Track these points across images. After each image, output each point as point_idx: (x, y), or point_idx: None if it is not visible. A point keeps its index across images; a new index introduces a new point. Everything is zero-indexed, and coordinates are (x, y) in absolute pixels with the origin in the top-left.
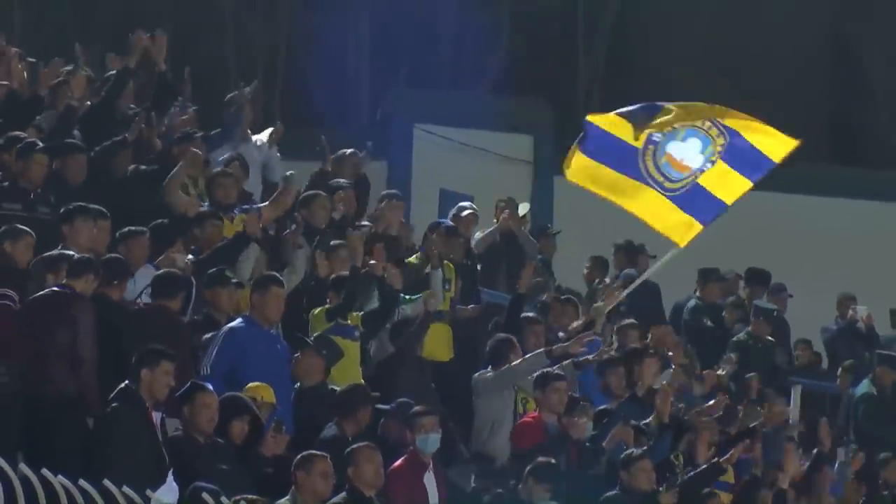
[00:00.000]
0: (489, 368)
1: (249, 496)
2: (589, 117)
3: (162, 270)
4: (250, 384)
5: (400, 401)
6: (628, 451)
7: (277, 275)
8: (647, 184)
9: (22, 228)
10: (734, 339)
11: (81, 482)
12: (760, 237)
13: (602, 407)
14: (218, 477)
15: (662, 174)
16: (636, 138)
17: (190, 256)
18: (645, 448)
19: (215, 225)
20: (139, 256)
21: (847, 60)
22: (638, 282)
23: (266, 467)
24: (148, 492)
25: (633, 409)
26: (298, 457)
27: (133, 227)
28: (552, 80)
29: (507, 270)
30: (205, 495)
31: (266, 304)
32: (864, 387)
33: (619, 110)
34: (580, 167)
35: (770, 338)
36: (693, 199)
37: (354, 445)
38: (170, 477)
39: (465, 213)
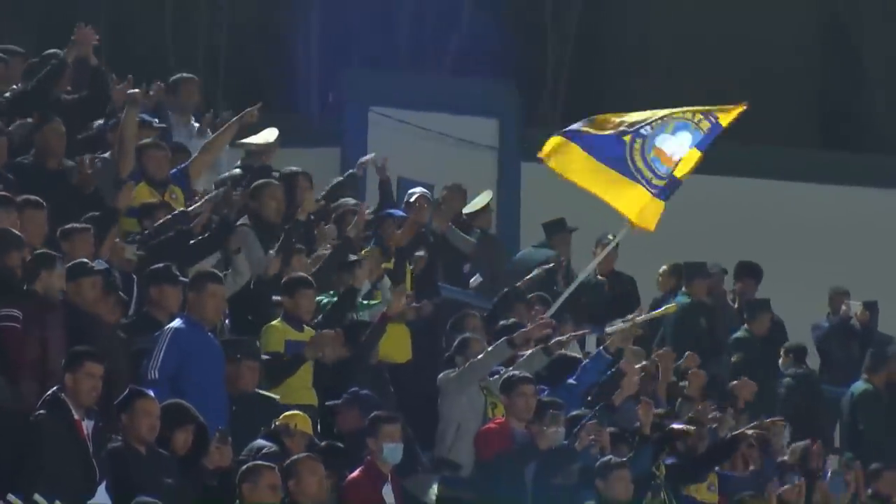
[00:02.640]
0: (453, 369)
1: None
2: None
3: None
4: (286, 412)
5: (352, 390)
6: (606, 459)
7: (216, 271)
8: (636, 180)
9: (18, 235)
10: (734, 336)
11: (10, 497)
12: (747, 227)
13: (575, 413)
14: (159, 490)
15: (651, 170)
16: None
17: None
18: (625, 458)
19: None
20: (84, 252)
21: (839, 41)
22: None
23: (210, 480)
24: None
25: (609, 419)
26: (244, 468)
27: (77, 224)
28: (518, 60)
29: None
30: None
31: (204, 304)
32: (861, 385)
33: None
34: (559, 152)
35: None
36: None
37: (296, 457)
38: (101, 489)
39: (414, 197)
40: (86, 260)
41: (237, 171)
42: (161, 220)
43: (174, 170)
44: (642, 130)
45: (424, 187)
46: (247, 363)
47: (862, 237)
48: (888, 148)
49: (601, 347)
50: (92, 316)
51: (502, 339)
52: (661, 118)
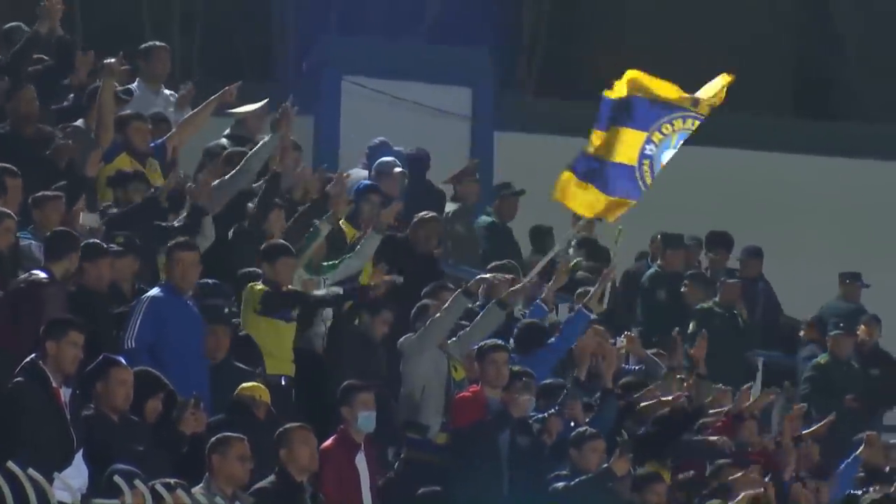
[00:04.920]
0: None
1: (166, 480)
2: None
3: None
4: (245, 384)
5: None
6: (581, 430)
7: (188, 239)
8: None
9: (3, 211)
10: (698, 307)
11: None
12: (721, 198)
13: (546, 382)
14: (133, 457)
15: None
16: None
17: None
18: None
19: (139, 189)
20: (54, 221)
21: (814, 6)
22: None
23: (182, 447)
24: (55, 474)
25: (580, 393)
26: (213, 439)
27: (48, 192)
28: (493, 28)
29: None
30: (116, 478)
31: (178, 272)
32: (817, 358)
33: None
34: (566, 186)
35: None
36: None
37: (288, 426)
38: (78, 458)
39: (397, 169)
40: (99, 241)
41: (224, 140)
42: (132, 205)
43: (153, 142)
44: (647, 151)
45: (394, 157)
46: (217, 328)
47: (837, 206)
48: (863, 115)
49: (581, 305)
50: (94, 291)
51: (458, 291)
52: (664, 132)
